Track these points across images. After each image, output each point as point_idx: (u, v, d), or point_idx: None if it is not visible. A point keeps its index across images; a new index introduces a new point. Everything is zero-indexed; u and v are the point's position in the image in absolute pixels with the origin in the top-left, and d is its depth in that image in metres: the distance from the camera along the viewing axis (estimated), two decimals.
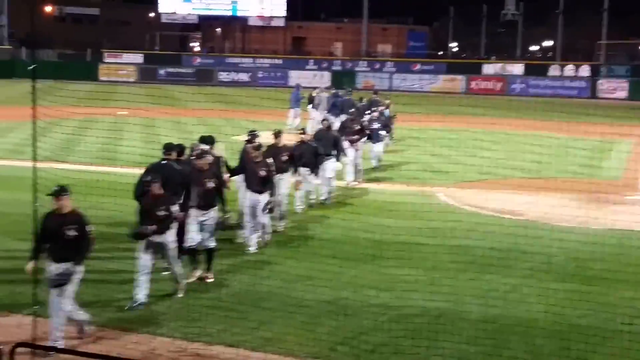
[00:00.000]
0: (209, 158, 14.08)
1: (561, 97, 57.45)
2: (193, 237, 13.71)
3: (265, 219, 15.56)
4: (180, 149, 15.12)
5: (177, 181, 14.21)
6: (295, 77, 65.44)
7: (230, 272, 14.13)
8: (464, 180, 20.05)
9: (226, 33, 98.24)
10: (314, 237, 16.16)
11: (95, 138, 21.70)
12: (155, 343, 10.86)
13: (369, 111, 32.87)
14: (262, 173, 15.45)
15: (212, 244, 13.83)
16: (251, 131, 17.24)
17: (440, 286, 12.28)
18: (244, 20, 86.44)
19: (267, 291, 12.72)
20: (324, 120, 21.76)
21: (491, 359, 10.41)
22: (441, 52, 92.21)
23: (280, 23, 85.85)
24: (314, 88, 36.29)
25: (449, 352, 10.68)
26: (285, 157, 17.16)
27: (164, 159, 14.48)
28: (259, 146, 15.89)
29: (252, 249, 15.15)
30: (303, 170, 18.41)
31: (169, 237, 12.61)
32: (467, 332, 11.22)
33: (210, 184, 13.76)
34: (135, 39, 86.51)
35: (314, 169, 18.86)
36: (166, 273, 13.91)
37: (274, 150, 16.98)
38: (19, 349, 8.83)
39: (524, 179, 20.00)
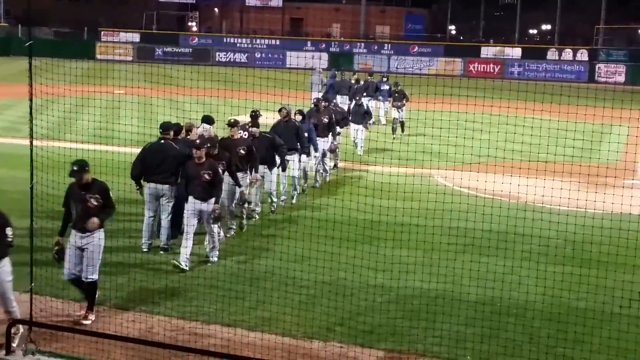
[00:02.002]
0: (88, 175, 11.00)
1: (559, 80, 57.38)
2: (69, 267, 11.05)
3: (213, 227, 13.52)
4: (177, 128, 15.09)
5: (175, 161, 14.19)
6: (294, 57, 65.28)
7: (228, 252, 14.12)
8: (461, 162, 20.02)
9: (224, 13, 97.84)
10: (312, 218, 16.12)
11: (92, 116, 21.59)
12: (152, 322, 10.87)
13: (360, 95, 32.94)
14: (207, 177, 13.25)
15: (93, 276, 10.99)
16: (254, 111, 17.14)
17: (438, 268, 12.28)
18: (242, 0, 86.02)
19: (264, 271, 12.71)
20: (281, 109, 18.12)
21: (488, 341, 10.43)
22: (439, 35, 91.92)
23: (278, 3, 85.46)
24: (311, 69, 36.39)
25: (446, 333, 10.70)
26: (242, 152, 15.25)
27: (161, 138, 14.45)
28: (203, 143, 13.44)
29: (184, 264, 13.00)
30: (260, 168, 16.20)
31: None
32: (464, 314, 11.25)
33: (93, 201, 10.91)
34: (132, 18, 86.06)
35: (272, 165, 16.67)
36: (163, 252, 13.94)
37: (228, 143, 15.09)
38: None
39: (521, 162, 19.96)
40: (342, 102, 33.18)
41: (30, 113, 10.21)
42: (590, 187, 17.48)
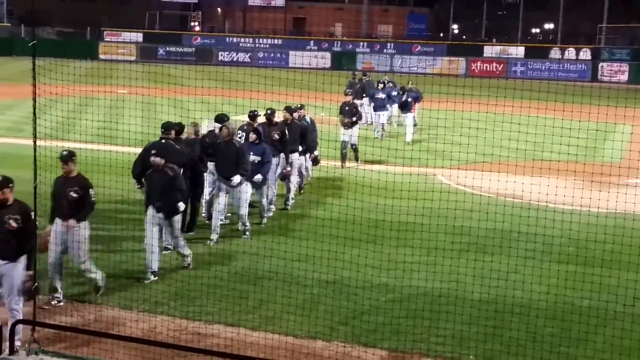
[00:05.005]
0: None
1: (562, 80, 57.34)
2: None
3: (17, 305, 9.77)
4: (179, 127, 15.08)
5: (176, 160, 14.18)
6: (299, 56, 65.40)
7: (231, 251, 14.12)
8: (464, 161, 20.00)
9: (226, 12, 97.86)
10: (315, 217, 16.14)
11: (95, 116, 21.63)
12: (155, 321, 10.87)
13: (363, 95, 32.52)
14: (12, 224, 9.70)
15: None
16: (252, 111, 17.14)
17: (442, 267, 12.27)
18: None
19: (267, 271, 12.71)
20: (222, 127, 15.37)
21: (492, 340, 10.42)
22: (442, 34, 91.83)
23: (281, 3, 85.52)
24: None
25: (449, 332, 10.70)
26: (73, 195, 11.45)
27: (162, 138, 14.46)
28: (69, 155, 11.36)
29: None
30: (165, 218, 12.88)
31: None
32: (467, 313, 11.22)
33: None
34: (135, 18, 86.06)
35: (170, 212, 12.87)
36: (166, 252, 13.93)
37: (61, 182, 11.70)
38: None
39: (524, 161, 19.97)
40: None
41: (34, 113, 10.21)
42: (593, 186, 17.47)
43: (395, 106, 31.21)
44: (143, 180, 13.72)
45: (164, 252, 13.94)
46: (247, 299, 11.70)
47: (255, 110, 17.13)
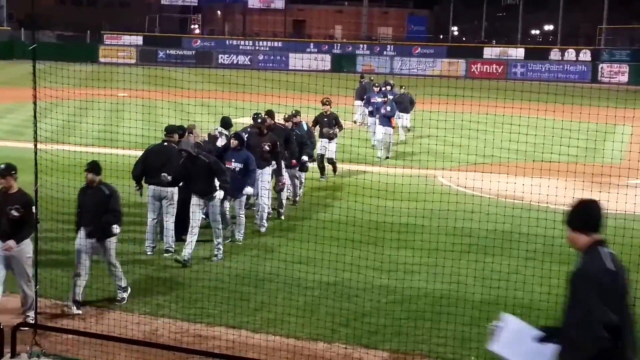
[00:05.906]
0: None
1: (562, 81, 57.39)
2: None
3: None
4: (182, 131, 15.10)
5: (177, 163, 14.19)
6: (299, 58, 65.52)
7: (232, 254, 14.13)
8: (465, 162, 20.03)
9: (226, 15, 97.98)
10: (316, 219, 16.15)
11: (96, 119, 21.65)
12: (157, 324, 10.89)
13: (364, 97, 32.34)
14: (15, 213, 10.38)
15: None
16: (256, 113, 17.10)
17: (443, 268, 12.28)
18: (244, 2, 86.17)
19: (269, 273, 12.71)
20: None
21: None
22: (442, 36, 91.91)
23: (280, 5, 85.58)
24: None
25: (451, 333, 10.69)
26: (14, 213, 10.51)
27: (164, 141, 14.47)
28: (7, 169, 10.68)
29: None
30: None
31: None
32: (469, 314, 11.22)
33: None
34: (135, 21, 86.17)
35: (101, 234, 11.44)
36: (167, 255, 13.94)
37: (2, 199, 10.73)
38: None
39: (524, 162, 19.99)
40: (347, 103, 33.16)
41: (35, 116, 10.23)
42: (593, 187, 17.48)
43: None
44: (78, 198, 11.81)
45: (164, 254, 13.97)
46: (249, 301, 11.71)
47: (258, 113, 17.12)
